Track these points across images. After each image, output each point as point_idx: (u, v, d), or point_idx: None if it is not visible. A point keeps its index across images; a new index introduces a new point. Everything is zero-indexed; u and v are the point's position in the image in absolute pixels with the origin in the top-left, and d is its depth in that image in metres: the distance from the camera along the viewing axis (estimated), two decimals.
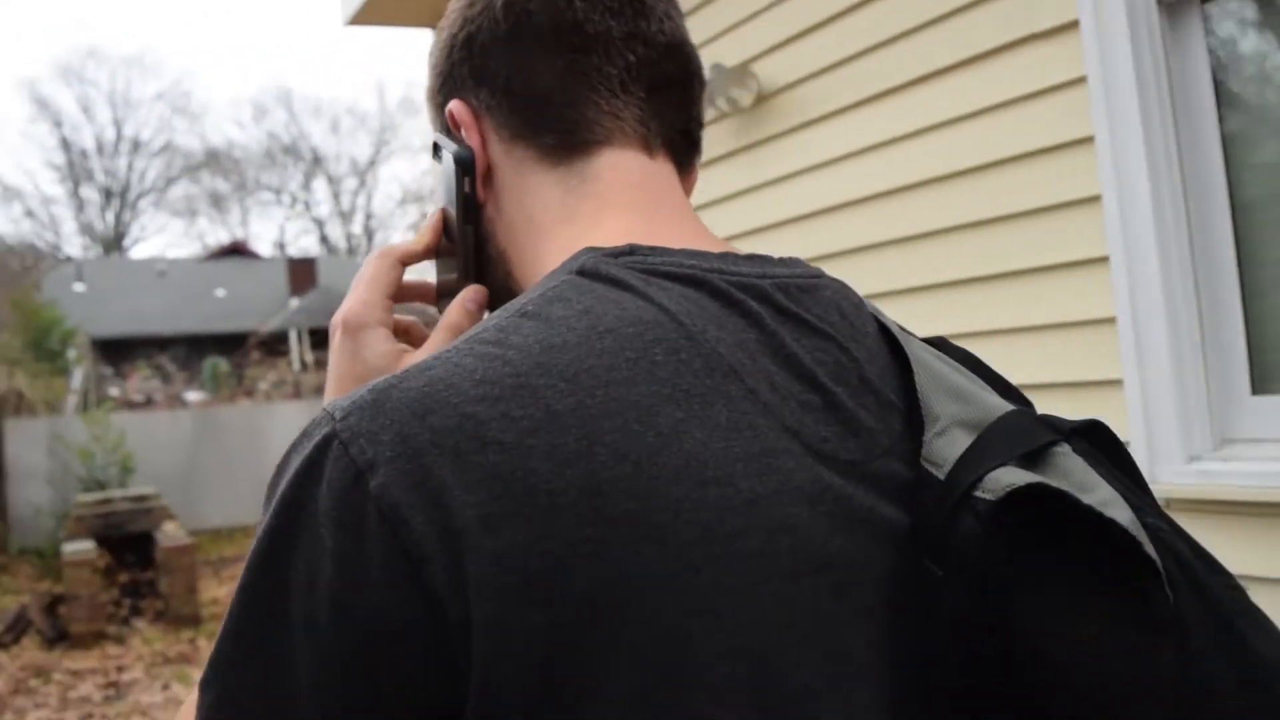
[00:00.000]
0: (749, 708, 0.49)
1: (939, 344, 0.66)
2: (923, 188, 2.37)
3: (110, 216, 37.14)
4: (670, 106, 0.66)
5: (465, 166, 0.67)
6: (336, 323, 0.68)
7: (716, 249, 0.61)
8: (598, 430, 0.48)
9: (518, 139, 0.66)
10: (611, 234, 0.61)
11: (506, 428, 0.47)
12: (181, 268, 26.63)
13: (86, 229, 37.54)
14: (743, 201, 2.87)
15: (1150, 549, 0.49)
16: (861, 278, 2.46)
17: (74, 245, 36.84)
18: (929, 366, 0.60)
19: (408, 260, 0.72)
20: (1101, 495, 0.51)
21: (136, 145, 37.51)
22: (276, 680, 0.48)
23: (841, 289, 0.63)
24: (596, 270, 0.56)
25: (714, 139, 2.94)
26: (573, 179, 0.64)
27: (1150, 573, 0.49)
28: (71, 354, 17.14)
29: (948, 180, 2.32)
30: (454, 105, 0.68)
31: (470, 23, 0.67)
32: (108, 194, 37.12)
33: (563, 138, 0.64)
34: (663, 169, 0.66)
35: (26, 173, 51.82)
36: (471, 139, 0.67)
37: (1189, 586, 0.51)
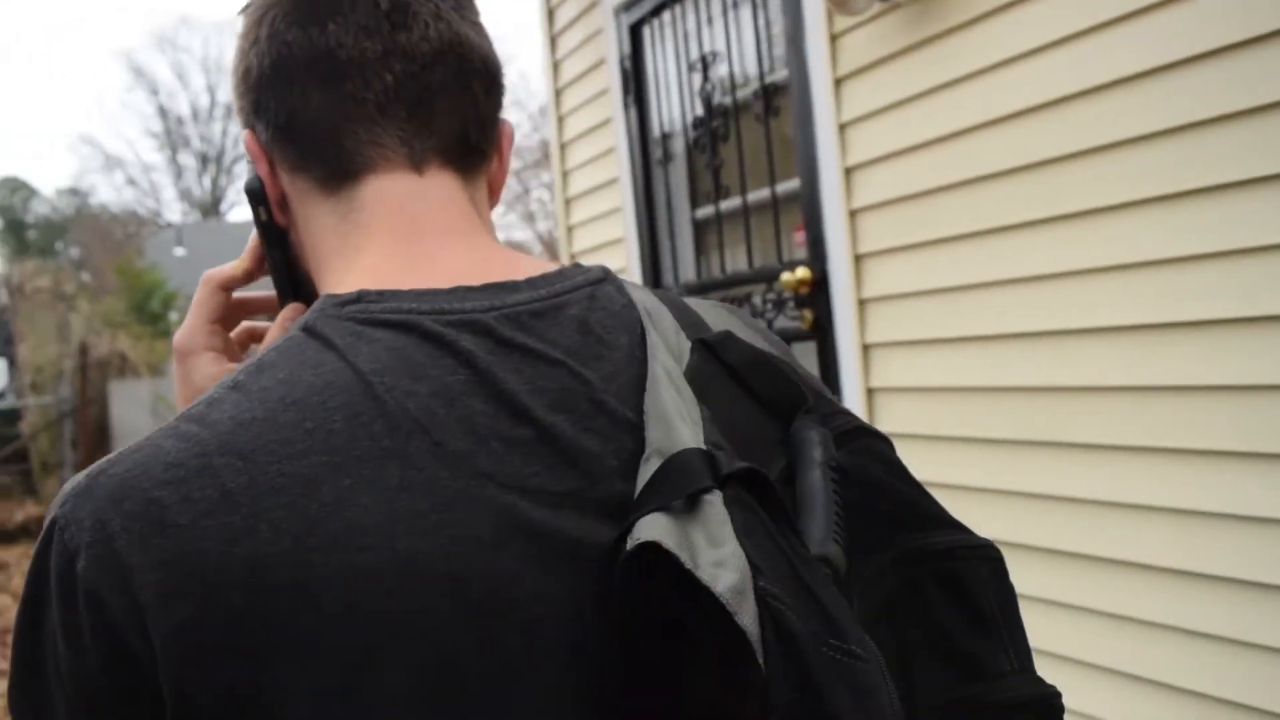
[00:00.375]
0: None
1: (719, 343, 0.65)
2: (1164, 73, 1.89)
3: (207, 181, 38.07)
4: (441, 116, 0.67)
5: (255, 197, 0.70)
6: (173, 348, 0.75)
7: (448, 281, 0.62)
8: (264, 508, 0.52)
9: (296, 171, 0.68)
10: (366, 268, 0.64)
11: (184, 510, 0.52)
12: None
13: (185, 195, 38.54)
14: (914, 109, 2.42)
15: (746, 617, 0.50)
16: (1079, 187, 2.01)
17: (174, 211, 37.88)
18: (656, 387, 0.60)
19: (228, 285, 0.76)
20: (720, 554, 0.51)
21: (230, 111, 38.15)
22: None
23: (601, 300, 0.64)
24: (314, 327, 0.59)
25: (877, 37, 2.49)
26: (343, 207, 0.66)
27: (740, 640, 0.50)
28: (173, 316, 17.46)
29: (1203, 60, 1.84)
30: (245, 137, 0.70)
31: (245, 56, 0.68)
32: (204, 159, 38.04)
33: (329, 169, 0.66)
34: (434, 184, 0.67)
35: (127, 142, 53.41)
36: (261, 170, 0.69)
37: (784, 657, 0.50)
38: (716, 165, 3.08)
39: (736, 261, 3.19)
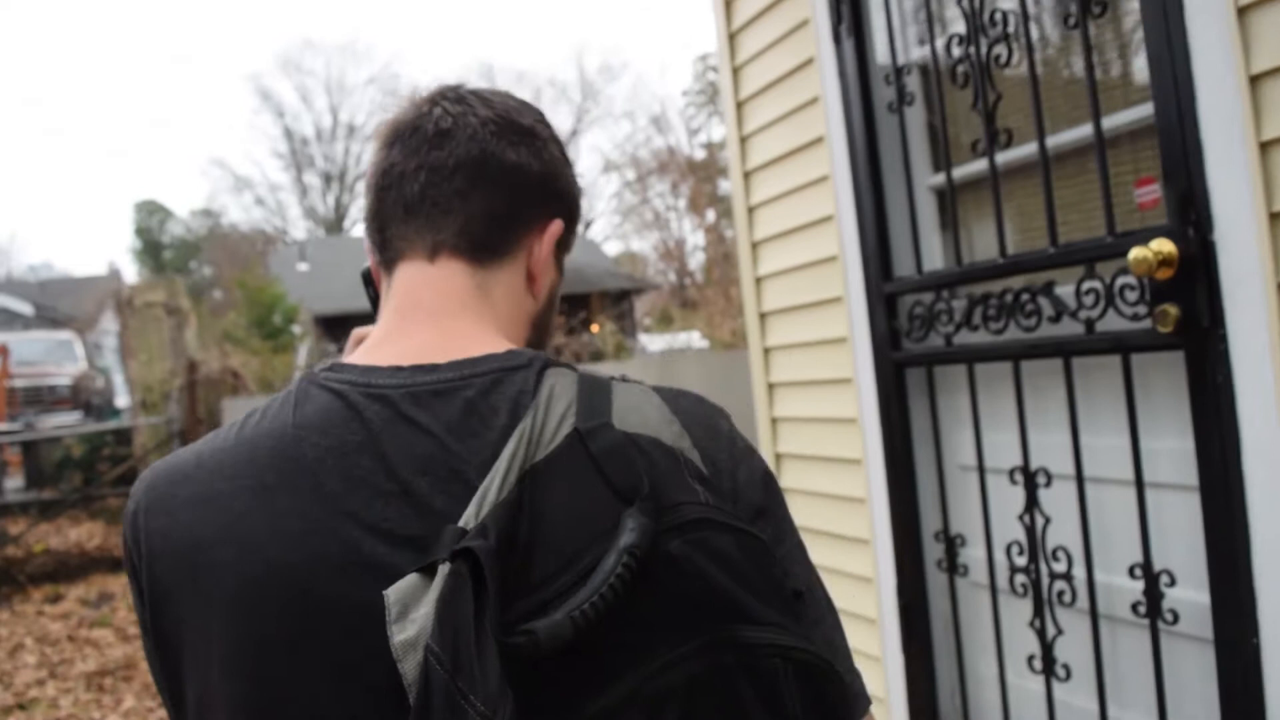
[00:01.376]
0: (240, 701, 0.72)
1: (588, 433, 0.75)
2: None
3: (331, 200, 38.68)
4: (453, 215, 0.88)
5: (365, 280, 0.98)
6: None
7: (412, 355, 0.82)
8: (208, 509, 0.76)
9: (375, 258, 0.94)
10: (370, 338, 0.89)
11: (168, 501, 0.79)
12: None
13: (310, 213, 39.27)
14: None
15: (408, 665, 0.65)
16: None
17: (299, 229, 38.61)
18: (495, 468, 0.73)
19: (362, 340, 0.98)
20: (417, 614, 0.66)
21: (352, 130, 38.84)
22: (140, 609, 0.82)
23: (503, 385, 0.79)
24: (294, 386, 0.83)
25: None
26: (389, 287, 0.91)
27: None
28: (297, 330, 17.26)
29: None
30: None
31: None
32: (327, 178, 38.68)
33: (382, 257, 0.92)
34: (442, 271, 0.88)
35: (255, 163, 55.01)
36: (370, 260, 0.95)
37: (426, 699, 0.63)
38: (992, 103, 2.13)
39: (1025, 238, 2.23)
